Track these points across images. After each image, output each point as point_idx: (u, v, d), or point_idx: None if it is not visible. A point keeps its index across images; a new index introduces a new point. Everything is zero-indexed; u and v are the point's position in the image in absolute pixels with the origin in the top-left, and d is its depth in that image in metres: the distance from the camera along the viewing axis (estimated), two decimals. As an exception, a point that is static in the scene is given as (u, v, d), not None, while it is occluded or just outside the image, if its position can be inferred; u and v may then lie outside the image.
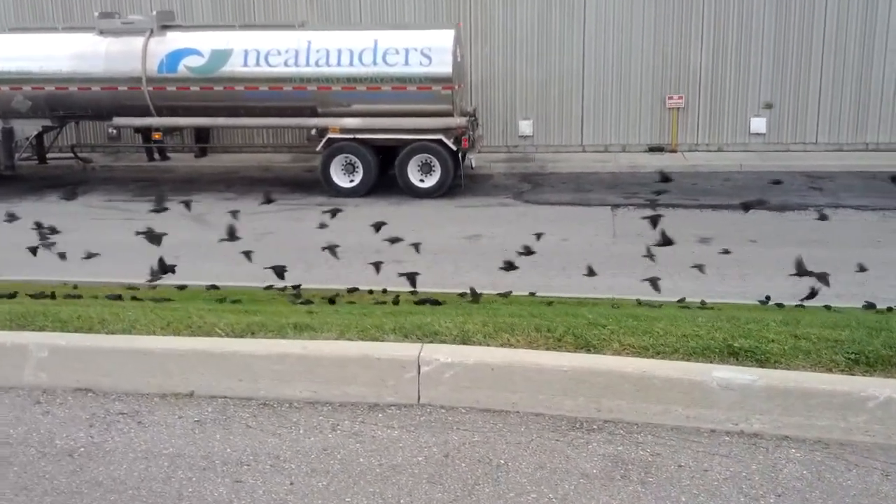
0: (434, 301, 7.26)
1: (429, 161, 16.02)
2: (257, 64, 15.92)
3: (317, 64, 15.89)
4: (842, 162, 17.40)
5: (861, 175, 16.67)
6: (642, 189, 16.42)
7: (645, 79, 18.54)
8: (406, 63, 15.68)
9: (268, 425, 4.29)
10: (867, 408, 3.84)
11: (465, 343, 4.69)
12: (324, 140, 16.19)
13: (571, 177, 17.48)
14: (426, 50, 15.64)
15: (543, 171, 17.98)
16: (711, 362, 4.31)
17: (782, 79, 18.15)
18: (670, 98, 18.48)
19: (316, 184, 17.00)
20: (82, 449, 4.12)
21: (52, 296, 7.24)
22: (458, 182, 16.25)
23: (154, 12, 16.75)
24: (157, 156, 19.05)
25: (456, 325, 4.95)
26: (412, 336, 4.81)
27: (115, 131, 16.75)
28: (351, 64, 15.83)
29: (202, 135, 18.69)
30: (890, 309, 6.48)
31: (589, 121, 18.91)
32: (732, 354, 4.37)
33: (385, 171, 16.56)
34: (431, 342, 4.70)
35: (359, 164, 16.19)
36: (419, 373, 4.41)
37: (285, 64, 15.90)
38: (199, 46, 16.14)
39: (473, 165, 17.04)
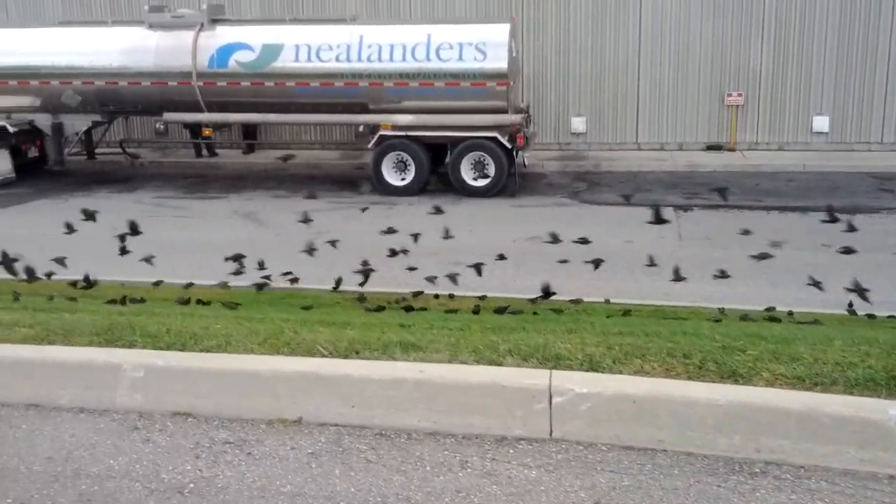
0: (512, 310, 6.88)
1: (482, 159, 15.62)
2: (308, 59, 15.58)
3: (368, 59, 15.52)
4: (909, 162, 16.78)
5: (931, 176, 16.07)
6: (702, 189, 15.94)
7: (703, 75, 18.01)
8: (460, 58, 15.27)
9: (389, 460, 3.92)
10: None
11: (593, 369, 4.29)
12: (375, 137, 15.83)
13: (628, 175, 16.99)
14: (481, 45, 15.21)
15: (598, 169, 17.51)
16: (879, 396, 3.88)
17: (846, 76, 17.55)
18: (729, 95, 17.93)
19: (367, 181, 16.68)
20: (192, 485, 3.77)
21: (123, 301, 6.93)
22: (511, 180, 15.82)
23: (204, 6, 16.45)
24: (205, 152, 18.80)
25: (577, 347, 4.56)
26: (532, 360, 4.42)
27: (162, 126, 16.50)
28: (403, 59, 15.44)
29: (250, 131, 18.43)
30: None
31: (644, 118, 18.40)
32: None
33: (436, 168, 16.19)
34: (556, 367, 4.31)
35: (411, 161, 15.82)
36: (551, 404, 4.02)
37: (337, 59, 15.55)
38: (250, 41, 15.83)
39: (526, 163, 16.62)
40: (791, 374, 4.10)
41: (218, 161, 18.80)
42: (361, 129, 16.24)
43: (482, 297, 7.04)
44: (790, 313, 7.61)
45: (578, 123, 18.62)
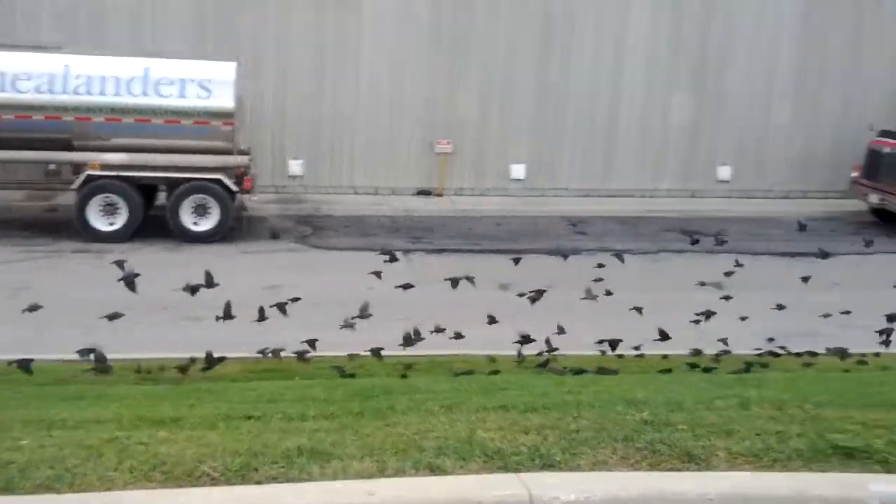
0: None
1: (204, 202, 14.25)
2: (2, 89, 13.16)
3: (76, 91, 13.49)
4: (593, 207, 18.08)
5: (614, 220, 17.42)
6: (425, 233, 15.90)
7: (415, 123, 18.11)
8: (182, 95, 13.89)
9: None
10: None
11: (550, 466, 3.64)
12: (81, 177, 13.79)
13: (351, 220, 16.49)
14: (205, 82, 13.95)
15: (319, 212, 16.81)
16: (825, 471, 3.65)
17: (543, 129, 18.60)
18: (439, 143, 18.18)
19: (65, 226, 14.48)
20: None
21: None
22: (239, 225, 14.58)
23: None
24: None
25: (504, 434, 3.89)
26: (475, 459, 3.66)
27: None
28: (117, 93, 13.67)
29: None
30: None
31: (360, 162, 18.09)
32: (847, 455, 3.76)
33: (148, 212, 14.49)
34: (506, 468, 3.60)
35: (122, 204, 14.04)
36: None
37: (37, 90, 13.32)
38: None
39: (247, 207, 15.46)
40: (747, 452, 3.77)
41: None
42: (53, 167, 14.10)
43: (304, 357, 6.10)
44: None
45: (296, 166, 17.80)
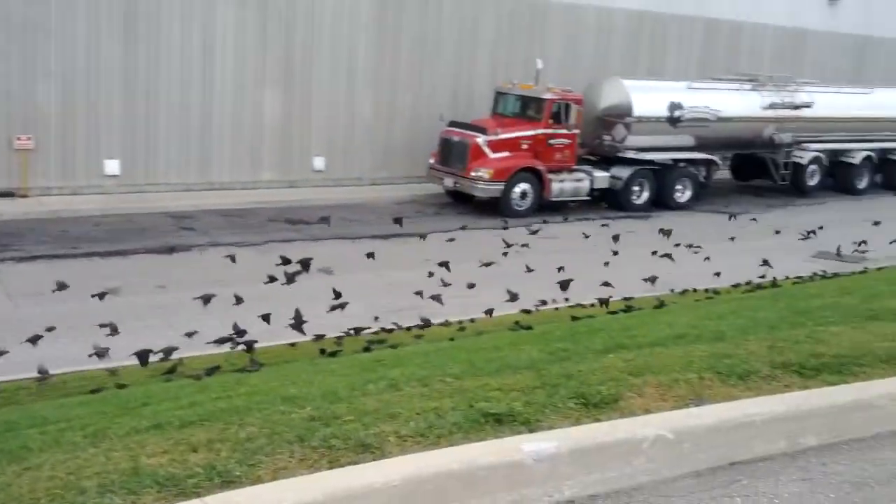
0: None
1: None
2: None
3: None
4: (196, 201, 17.44)
5: (218, 213, 16.99)
6: (13, 239, 14.06)
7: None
8: None
9: None
10: (643, 449, 3.96)
11: (229, 484, 3.39)
12: None
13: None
14: None
15: None
16: (483, 439, 3.92)
17: (134, 122, 17.41)
18: (18, 139, 16.10)
19: None
20: None
21: None
22: None
23: None
24: None
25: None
26: (149, 491, 3.28)
27: None
28: None
29: None
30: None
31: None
32: (497, 421, 4.07)
33: None
34: (201, 494, 3.28)
35: None
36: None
37: None
38: None
39: None
40: (413, 433, 3.89)
41: None
42: None
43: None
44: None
45: None
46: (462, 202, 18.97)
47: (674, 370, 4.77)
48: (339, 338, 8.71)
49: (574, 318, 8.36)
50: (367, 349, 8.27)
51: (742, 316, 6.43)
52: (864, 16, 28.73)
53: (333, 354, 8.19)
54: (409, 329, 9.26)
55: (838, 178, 24.06)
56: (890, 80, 28.08)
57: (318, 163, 19.86)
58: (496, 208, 18.12)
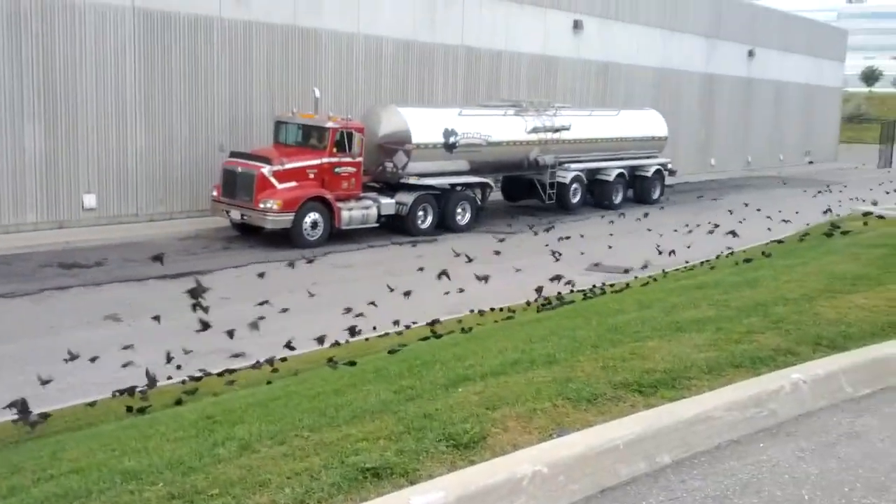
0: None
1: None
2: None
3: None
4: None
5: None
6: None
7: None
8: None
9: None
10: (523, 487, 3.92)
11: None
12: None
13: None
14: None
15: None
16: (367, 499, 3.70)
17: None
18: None
19: None
20: None
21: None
22: None
23: None
24: None
25: None
26: None
27: None
28: None
29: None
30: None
31: None
32: (375, 476, 3.86)
33: None
34: None
35: None
36: None
37: None
38: None
39: None
40: (291, 501, 3.59)
41: None
42: None
43: None
44: None
45: None
46: (251, 235, 18.27)
47: (527, 400, 4.79)
48: (143, 393, 8.01)
49: (391, 352, 8.14)
50: (179, 402, 7.68)
51: (563, 336, 6.62)
52: (603, 44, 31.41)
53: (143, 411, 7.52)
54: (220, 374, 8.70)
55: (596, 194, 25.99)
56: (629, 102, 30.96)
57: (89, 200, 18.26)
58: (287, 239, 17.64)
